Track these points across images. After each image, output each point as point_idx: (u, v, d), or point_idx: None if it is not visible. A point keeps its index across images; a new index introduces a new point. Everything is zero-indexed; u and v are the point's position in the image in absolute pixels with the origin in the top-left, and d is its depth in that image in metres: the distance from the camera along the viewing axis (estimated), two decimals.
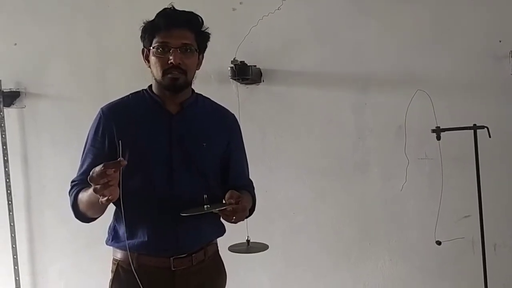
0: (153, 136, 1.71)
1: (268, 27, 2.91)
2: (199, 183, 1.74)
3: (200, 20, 1.73)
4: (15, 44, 3.37)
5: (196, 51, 1.72)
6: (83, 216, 1.70)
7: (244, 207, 1.67)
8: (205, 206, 1.63)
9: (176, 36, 1.66)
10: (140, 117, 1.74)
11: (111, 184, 1.43)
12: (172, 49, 1.66)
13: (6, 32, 3.38)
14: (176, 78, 1.68)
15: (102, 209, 1.67)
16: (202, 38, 1.74)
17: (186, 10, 1.73)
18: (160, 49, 1.67)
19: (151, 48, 1.69)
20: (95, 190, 1.44)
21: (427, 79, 2.79)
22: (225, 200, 1.65)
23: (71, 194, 1.70)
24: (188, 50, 1.68)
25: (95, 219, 1.72)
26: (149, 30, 1.70)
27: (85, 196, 1.63)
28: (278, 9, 2.87)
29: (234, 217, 1.63)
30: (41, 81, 3.35)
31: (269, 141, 3.04)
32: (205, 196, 1.63)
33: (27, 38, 3.35)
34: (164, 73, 1.68)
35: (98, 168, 1.43)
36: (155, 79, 1.73)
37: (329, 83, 2.96)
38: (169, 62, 1.66)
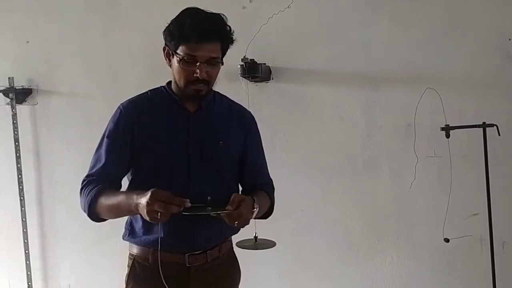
0: (171, 134, 1.72)
1: (278, 25, 2.92)
2: (216, 181, 1.75)
3: (229, 30, 1.69)
4: (27, 41, 3.39)
5: (221, 61, 1.70)
6: (97, 216, 1.70)
7: (241, 213, 1.59)
8: (207, 208, 1.62)
9: (205, 50, 1.62)
10: (158, 115, 1.74)
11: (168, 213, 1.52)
12: (199, 63, 1.63)
13: (19, 30, 3.41)
14: (200, 90, 1.69)
15: (123, 216, 1.72)
16: (228, 47, 1.71)
17: (214, 13, 1.67)
18: (187, 61, 1.64)
19: (176, 53, 1.65)
20: (150, 210, 1.51)
21: (437, 77, 2.79)
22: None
23: (90, 191, 1.67)
24: (214, 63, 1.66)
25: (106, 219, 1.73)
26: (177, 37, 1.63)
27: (112, 201, 1.64)
28: (288, 7, 2.88)
29: (236, 222, 1.59)
30: (53, 78, 3.37)
31: (279, 139, 3.05)
32: (209, 198, 1.63)
33: (39, 36, 3.37)
34: (188, 83, 1.67)
35: (164, 196, 1.51)
36: (177, 84, 1.72)
37: (339, 81, 2.97)
38: (194, 75, 1.64)
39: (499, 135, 2.46)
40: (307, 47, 2.99)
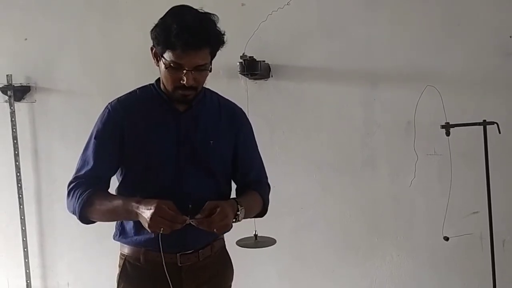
0: (161, 134, 1.70)
1: (277, 22, 2.90)
2: (207, 181, 1.73)
3: (219, 33, 1.62)
4: (26, 39, 3.39)
5: (210, 65, 1.64)
6: (87, 219, 1.68)
7: (213, 220, 1.56)
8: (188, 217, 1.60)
9: (192, 58, 1.57)
10: (148, 114, 1.71)
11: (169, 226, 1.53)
12: (186, 70, 1.58)
13: (17, 27, 3.40)
14: (187, 95, 1.66)
15: (119, 220, 1.71)
16: (218, 49, 1.65)
17: (203, 13, 1.62)
18: (173, 67, 1.59)
19: (162, 57, 1.60)
20: (153, 225, 1.52)
21: (437, 75, 2.78)
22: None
23: (80, 195, 1.64)
24: (202, 69, 1.62)
25: (96, 222, 1.71)
26: (163, 43, 1.58)
27: (107, 206, 1.62)
28: (287, 4, 2.86)
29: (215, 229, 1.57)
30: (51, 76, 3.37)
31: (278, 137, 3.04)
32: (190, 206, 1.62)
33: (38, 33, 3.37)
34: (175, 88, 1.64)
35: (169, 215, 1.51)
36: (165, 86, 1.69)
37: (338, 79, 2.96)
38: (181, 81, 1.60)
39: (499, 132, 2.45)
40: (307, 45, 2.97)
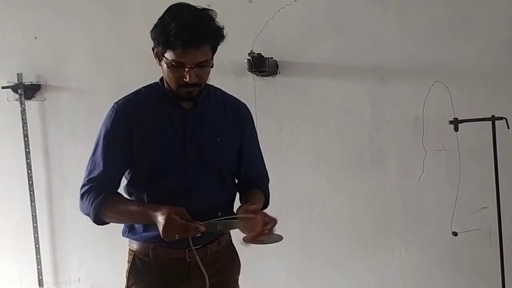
0: (167, 132, 1.71)
1: (285, 19, 2.90)
2: (214, 179, 1.75)
3: (218, 28, 1.63)
4: (36, 37, 3.42)
5: (212, 60, 1.65)
6: (102, 221, 1.70)
7: (258, 222, 1.66)
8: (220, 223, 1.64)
9: (193, 55, 1.59)
10: (154, 113, 1.72)
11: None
12: (187, 68, 1.60)
13: (27, 26, 3.43)
14: (191, 92, 1.67)
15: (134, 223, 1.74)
16: (218, 44, 1.66)
17: (201, 10, 1.63)
18: (175, 66, 1.61)
19: (164, 56, 1.62)
20: (167, 235, 1.57)
21: (445, 70, 2.77)
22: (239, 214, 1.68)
23: (94, 199, 1.66)
24: (204, 65, 1.63)
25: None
26: (163, 43, 1.60)
27: (124, 213, 1.67)
28: (295, 1, 2.86)
29: (266, 231, 1.66)
30: (61, 74, 3.40)
31: (286, 133, 3.05)
32: (219, 213, 1.64)
33: (47, 32, 3.39)
34: (179, 86, 1.65)
35: (180, 223, 1.55)
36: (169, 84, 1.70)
37: (346, 75, 2.95)
38: (184, 79, 1.62)
39: (508, 128, 2.44)
40: (314, 41, 2.97)
